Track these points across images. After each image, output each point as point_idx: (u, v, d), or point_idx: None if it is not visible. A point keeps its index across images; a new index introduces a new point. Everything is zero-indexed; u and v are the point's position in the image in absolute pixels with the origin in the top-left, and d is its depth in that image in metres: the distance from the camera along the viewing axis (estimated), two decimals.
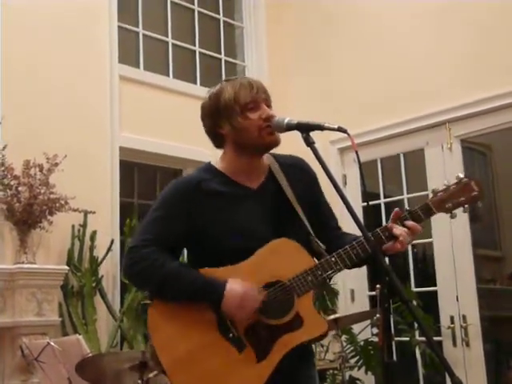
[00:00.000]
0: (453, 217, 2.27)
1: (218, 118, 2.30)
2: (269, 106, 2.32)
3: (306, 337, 2.20)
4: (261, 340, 2.16)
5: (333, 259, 2.20)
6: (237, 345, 2.16)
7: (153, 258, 2.20)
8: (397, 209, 2.27)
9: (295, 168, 2.44)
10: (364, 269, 4.97)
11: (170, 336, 2.19)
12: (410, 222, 2.22)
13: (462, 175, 2.27)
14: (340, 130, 2.07)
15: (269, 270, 2.20)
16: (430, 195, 2.29)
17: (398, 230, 2.20)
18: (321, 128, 2.12)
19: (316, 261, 2.25)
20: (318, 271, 2.20)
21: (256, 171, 2.37)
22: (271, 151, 2.41)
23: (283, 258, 2.23)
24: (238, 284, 2.15)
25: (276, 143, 2.30)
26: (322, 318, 2.27)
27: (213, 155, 2.48)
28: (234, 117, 2.27)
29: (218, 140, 2.37)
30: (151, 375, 2.99)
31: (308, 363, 2.38)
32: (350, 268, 2.29)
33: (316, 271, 2.20)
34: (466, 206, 2.26)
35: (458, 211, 2.28)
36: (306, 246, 2.26)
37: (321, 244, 2.29)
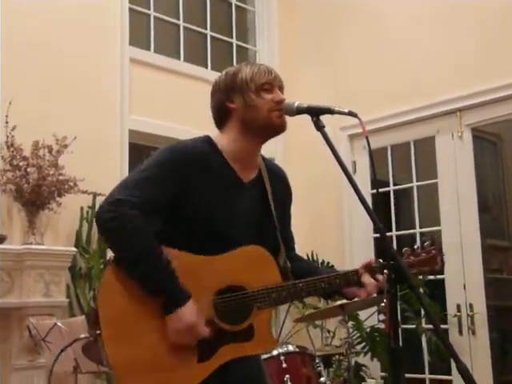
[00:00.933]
0: None
1: (232, 92, 2.28)
2: (282, 93, 2.32)
3: (251, 351, 2.19)
4: (208, 341, 2.12)
5: (300, 285, 2.20)
6: None
7: (136, 223, 2.08)
8: (370, 259, 2.29)
9: (279, 178, 2.45)
10: (372, 255, 4.97)
11: (120, 307, 2.10)
12: (380, 277, 2.21)
13: (432, 245, 2.32)
14: (350, 114, 2.05)
15: (238, 274, 2.17)
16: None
17: (368, 279, 2.22)
18: (331, 112, 2.10)
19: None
20: (284, 292, 2.19)
21: (250, 163, 2.35)
22: (262, 153, 2.41)
23: (256, 266, 2.20)
24: (192, 314, 2.08)
25: (283, 128, 2.29)
26: (272, 337, 2.26)
27: None
28: (247, 92, 2.26)
29: (224, 116, 2.32)
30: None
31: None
32: (310, 296, 2.34)
33: (281, 292, 2.19)
34: (425, 274, 2.36)
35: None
36: (276, 257, 2.27)
37: (288, 262, 2.31)
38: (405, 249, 2.30)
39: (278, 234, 2.31)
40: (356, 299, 2.36)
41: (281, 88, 2.33)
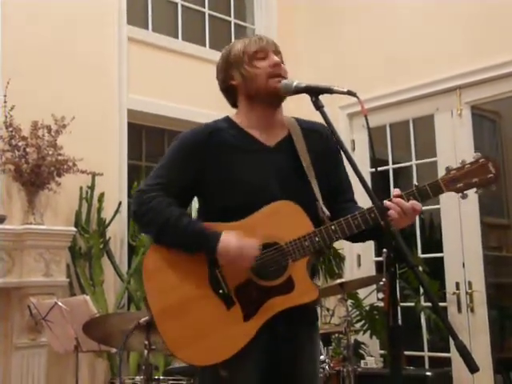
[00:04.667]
0: (464, 197, 2.15)
1: (230, 70, 2.34)
2: (279, 57, 2.33)
3: (295, 302, 2.19)
4: (250, 299, 2.17)
5: (332, 227, 2.17)
6: (226, 301, 2.17)
7: (157, 201, 2.22)
8: (397, 190, 2.17)
9: (316, 133, 2.41)
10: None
11: (163, 284, 2.22)
12: (411, 201, 2.13)
13: (479, 154, 2.13)
14: (349, 93, 2.04)
15: (268, 231, 2.18)
16: (443, 172, 2.16)
17: (392, 205, 2.11)
18: (330, 91, 2.09)
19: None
20: (316, 238, 2.17)
21: (271, 127, 2.35)
22: (295, 116, 2.43)
23: (283, 220, 2.21)
24: (233, 234, 2.15)
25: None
26: (313, 284, 2.24)
27: (220, 117, 2.46)
28: (242, 66, 2.30)
29: (231, 95, 2.39)
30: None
31: (310, 326, 2.37)
32: (350, 239, 2.29)
33: (314, 237, 2.17)
34: (480, 187, 2.14)
35: (470, 192, 2.16)
36: (312, 213, 2.23)
37: (326, 211, 2.25)
38: (447, 166, 2.14)
39: (313, 190, 2.28)
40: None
41: (277, 52, 2.34)
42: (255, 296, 2.17)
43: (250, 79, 2.28)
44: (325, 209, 2.26)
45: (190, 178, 2.27)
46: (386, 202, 2.12)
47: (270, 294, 2.17)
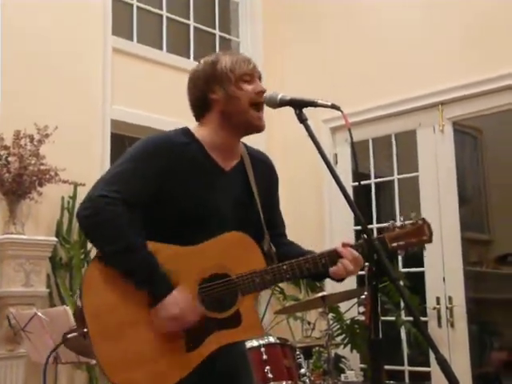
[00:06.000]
0: (401, 254, 2.27)
1: (212, 83, 2.26)
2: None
3: (240, 337, 2.19)
4: (195, 330, 2.10)
5: (284, 267, 2.16)
6: None
7: (117, 215, 2.07)
8: (345, 241, 2.25)
9: (263, 164, 2.42)
10: None
11: (104, 303, 2.09)
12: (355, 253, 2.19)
13: (417, 216, 2.26)
14: (333, 107, 2.05)
15: (220, 261, 2.14)
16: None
17: (344, 252, 2.16)
18: (314, 104, 2.10)
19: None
20: (268, 276, 2.15)
21: (230, 152, 2.32)
22: (244, 141, 2.39)
23: (237, 251, 2.18)
24: (181, 301, 2.07)
25: (260, 129, 2.28)
26: (259, 321, 2.23)
27: None
28: (228, 84, 2.24)
29: (203, 107, 2.30)
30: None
31: (242, 342, 2.39)
32: (296, 279, 2.31)
33: (265, 275, 2.15)
34: (413, 247, 2.26)
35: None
36: (257, 243, 2.24)
37: (273, 247, 2.27)
38: (390, 222, 2.25)
39: (261, 220, 2.28)
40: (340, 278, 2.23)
41: (259, 78, 2.32)
42: (200, 327, 2.11)
43: (233, 99, 2.23)
44: (272, 244, 2.28)
45: (148, 191, 2.15)
46: (339, 248, 2.18)
47: (215, 327, 2.12)
